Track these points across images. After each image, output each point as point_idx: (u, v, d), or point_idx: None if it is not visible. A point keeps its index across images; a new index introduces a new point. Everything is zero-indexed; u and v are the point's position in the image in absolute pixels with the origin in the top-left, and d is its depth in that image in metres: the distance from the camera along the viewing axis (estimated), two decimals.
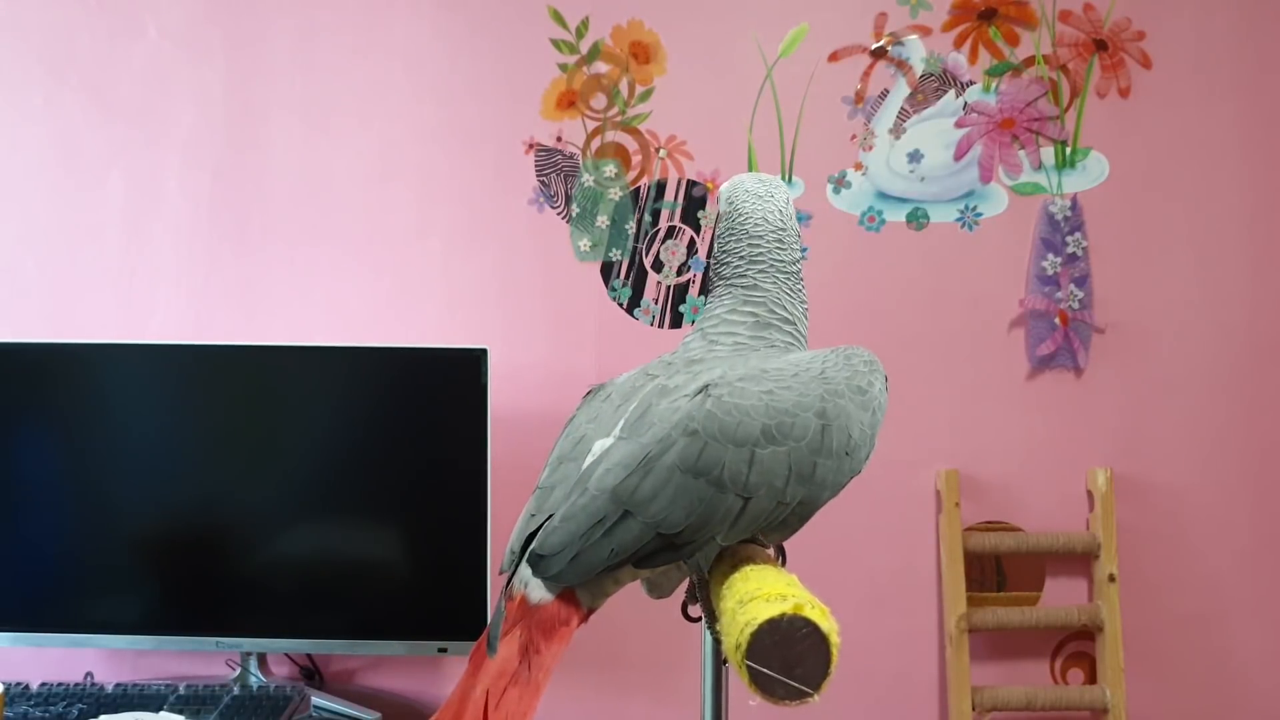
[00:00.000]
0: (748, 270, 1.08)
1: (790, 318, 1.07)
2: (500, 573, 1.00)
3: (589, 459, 0.98)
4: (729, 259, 1.10)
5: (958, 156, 2.07)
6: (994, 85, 2.07)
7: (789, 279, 1.09)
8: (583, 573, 0.94)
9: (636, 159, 2.08)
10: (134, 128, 2.09)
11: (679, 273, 2.07)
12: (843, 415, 0.95)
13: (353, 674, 2.06)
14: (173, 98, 2.09)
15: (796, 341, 1.06)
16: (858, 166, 2.07)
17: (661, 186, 2.08)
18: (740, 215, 1.11)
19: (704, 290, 2.07)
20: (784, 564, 1.01)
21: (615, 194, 2.08)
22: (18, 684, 1.82)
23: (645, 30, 2.08)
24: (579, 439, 1.01)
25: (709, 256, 1.13)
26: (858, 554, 2.05)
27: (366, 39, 2.09)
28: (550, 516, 0.96)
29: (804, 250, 1.15)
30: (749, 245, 1.09)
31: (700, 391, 0.95)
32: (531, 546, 0.96)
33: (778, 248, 1.09)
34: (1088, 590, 2.06)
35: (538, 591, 0.95)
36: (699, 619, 1.03)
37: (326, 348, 1.90)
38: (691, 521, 0.93)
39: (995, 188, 2.07)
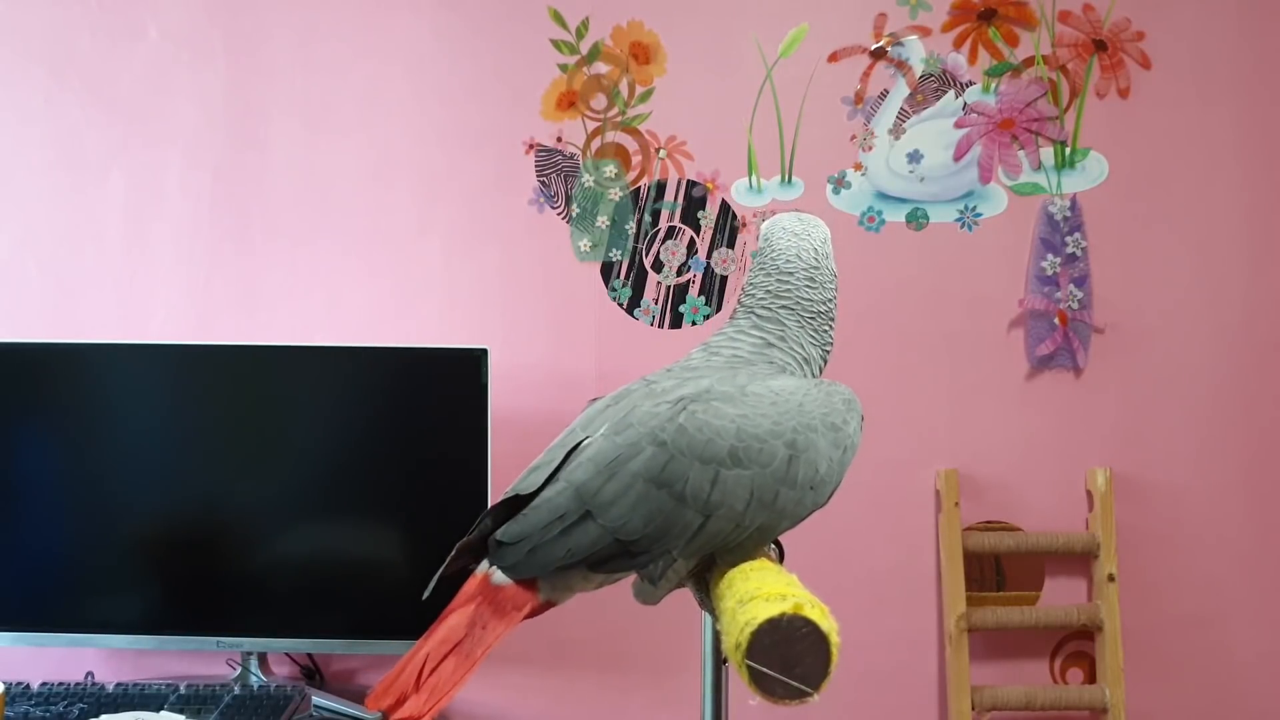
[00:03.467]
0: (771, 304, 1.08)
1: (800, 356, 1.06)
2: (467, 533, 1.01)
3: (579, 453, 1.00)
4: (755, 291, 1.10)
5: (957, 157, 2.07)
6: (993, 86, 2.07)
7: (814, 319, 1.08)
8: (537, 568, 0.95)
9: (636, 159, 2.08)
10: (134, 128, 2.09)
11: (679, 273, 2.08)
12: (812, 449, 0.96)
13: (353, 674, 2.06)
14: (173, 98, 2.09)
15: (798, 369, 1.05)
16: (857, 167, 2.07)
17: (661, 187, 2.08)
18: (774, 251, 1.11)
19: (703, 290, 2.08)
20: (782, 562, 1.01)
21: (615, 194, 2.08)
22: (18, 684, 1.82)
23: (645, 30, 2.08)
24: (570, 431, 1.04)
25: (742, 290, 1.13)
26: (858, 554, 2.05)
27: (367, 39, 2.09)
28: (517, 497, 0.98)
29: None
30: (777, 280, 1.09)
31: (679, 402, 0.97)
32: (497, 533, 0.97)
33: (807, 286, 1.08)
34: (1087, 590, 2.06)
35: (499, 574, 0.97)
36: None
37: (326, 348, 1.90)
38: (649, 531, 0.93)
39: (995, 188, 2.07)
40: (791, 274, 1.09)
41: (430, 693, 0.91)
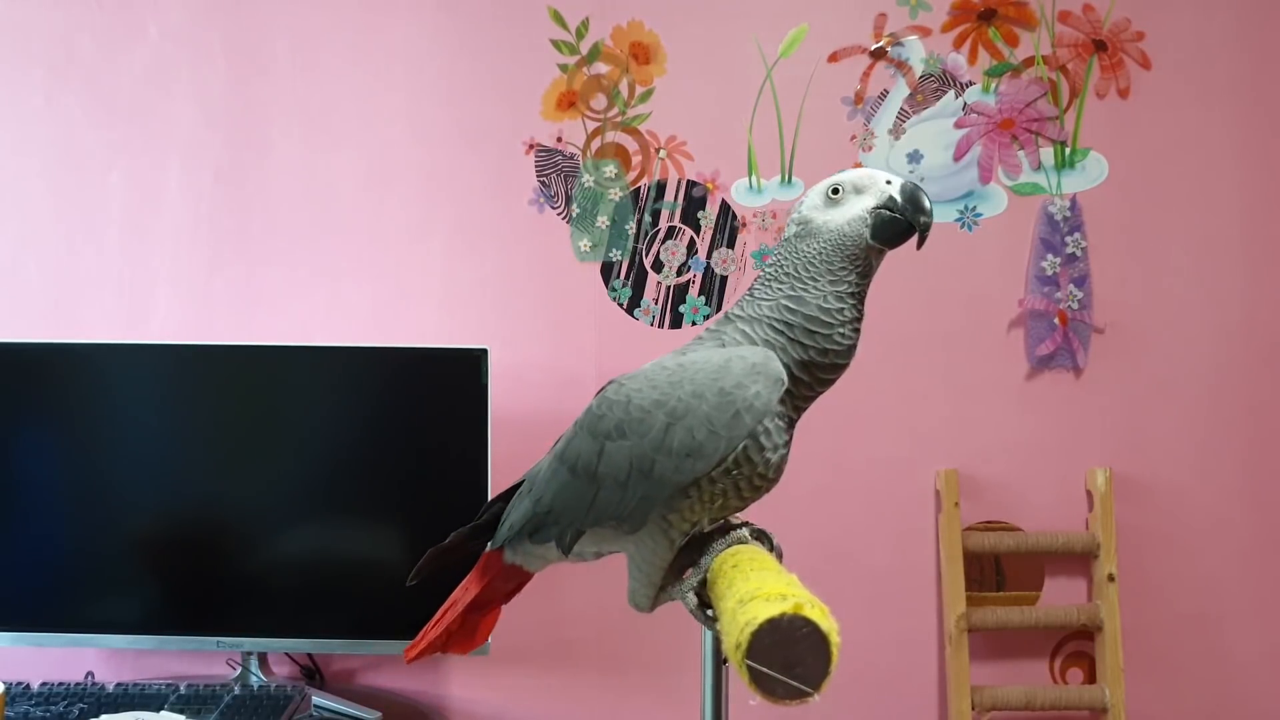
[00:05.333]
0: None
1: (748, 318, 0.99)
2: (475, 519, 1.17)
3: None
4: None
5: (957, 157, 2.07)
6: (993, 86, 2.07)
7: (774, 281, 1.00)
8: (501, 537, 1.10)
9: (636, 159, 2.08)
10: (134, 128, 2.09)
11: (679, 273, 2.08)
12: (691, 415, 0.93)
13: (353, 673, 2.06)
14: (173, 98, 2.09)
15: (743, 339, 0.98)
16: (857, 166, 2.07)
17: (661, 187, 2.08)
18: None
19: (703, 290, 2.08)
20: (780, 562, 1.00)
21: (615, 194, 2.08)
22: (18, 684, 1.82)
23: (645, 31, 2.08)
24: None
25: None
26: (858, 554, 2.05)
27: (367, 39, 2.09)
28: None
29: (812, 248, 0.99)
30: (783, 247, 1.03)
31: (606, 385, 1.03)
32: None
33: (780, 249, 1.02)
34: (1087, 590, 2.06)
35: (491, 543, 1.13)
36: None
37: (326, 348, 1.90)
38: (555, 505, 1.03)
39: (995, 188, 2.07)
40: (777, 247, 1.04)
41: (421, 636, 1.16)
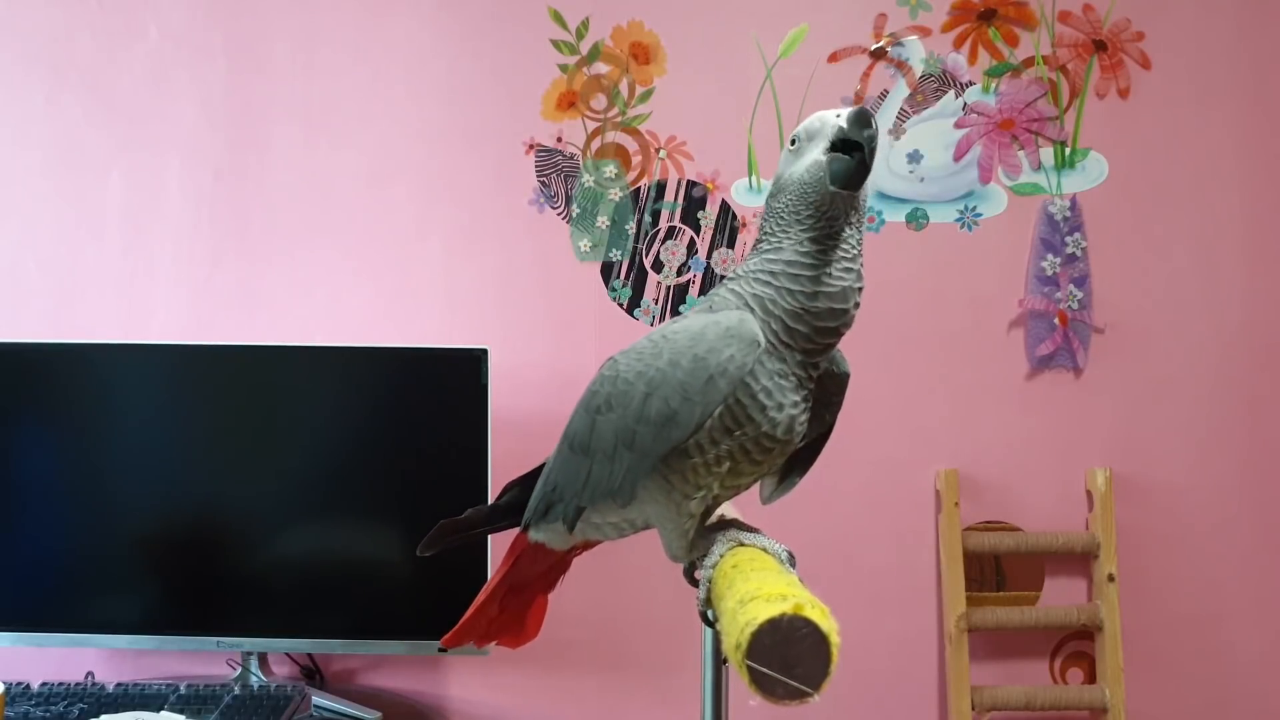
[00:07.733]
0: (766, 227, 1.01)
1: (739, 274, 0.99)
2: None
3: None
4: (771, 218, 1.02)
5: (957, 157, 2.07)
6: (993, 86, 2.07)
7: (762, 240, 0.99)
8: (525, 519, 1.12)
9: (636, 159, 2.08)
10: (134, 128, 2.09)
11: (679, 273, 2.08)
12: (666, 384, 0.94)
13: (353, 674, 2.06)
14: (173, 98, 2.09)
15: (734, 299, 0.98)
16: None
17: (661, 187, 2.08)
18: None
19: (703, 290, 2.08)
20: (794, 567, 1.00)
21: (615, 194, 2.08)
22: (18, 684, 1.82)
23: (645, 31, 2.08)
24: None
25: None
26: (858, 554, 2.05)
27: (367, 39, 2.09)
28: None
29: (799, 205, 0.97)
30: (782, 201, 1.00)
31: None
32: None
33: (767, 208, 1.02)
34: (1087, 590, 2.06)
35: (521, 525, 1.15)
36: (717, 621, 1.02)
37: (326, 348, 1.90)
38: (560, 481, 1.05)
39: (995, 188, 2.07)
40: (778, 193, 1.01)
41: (458, 623, 1.19)
